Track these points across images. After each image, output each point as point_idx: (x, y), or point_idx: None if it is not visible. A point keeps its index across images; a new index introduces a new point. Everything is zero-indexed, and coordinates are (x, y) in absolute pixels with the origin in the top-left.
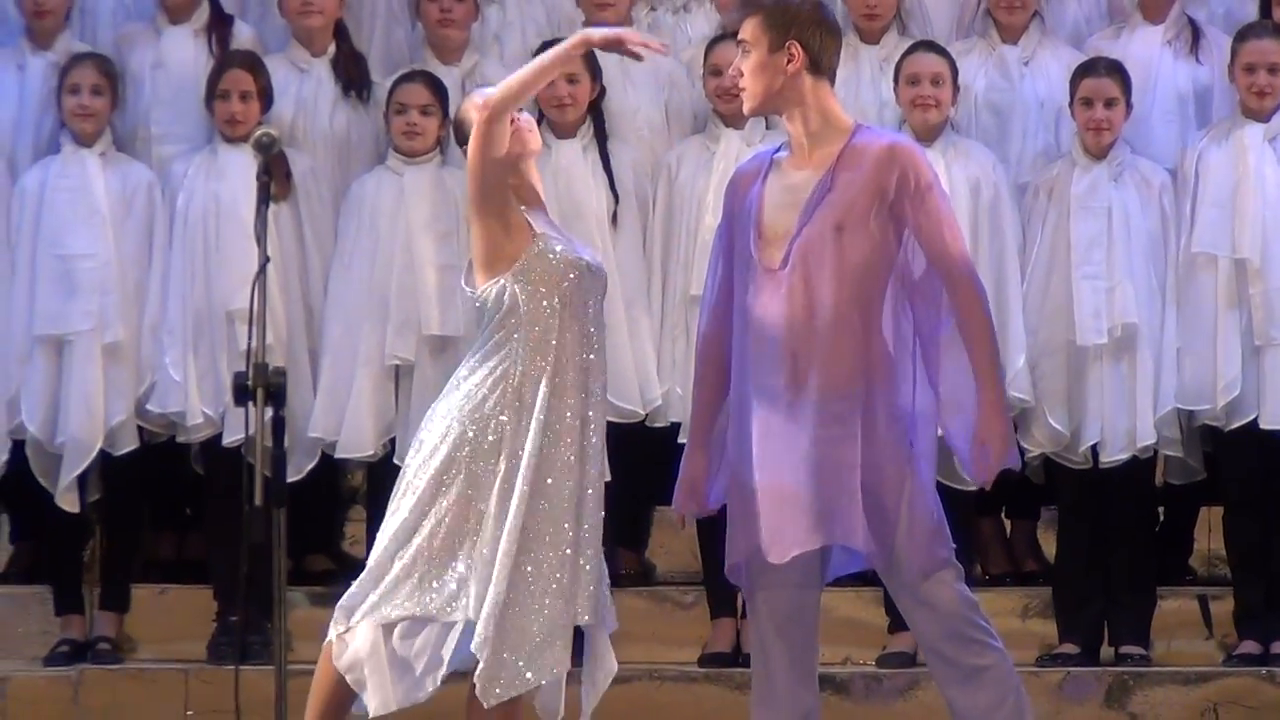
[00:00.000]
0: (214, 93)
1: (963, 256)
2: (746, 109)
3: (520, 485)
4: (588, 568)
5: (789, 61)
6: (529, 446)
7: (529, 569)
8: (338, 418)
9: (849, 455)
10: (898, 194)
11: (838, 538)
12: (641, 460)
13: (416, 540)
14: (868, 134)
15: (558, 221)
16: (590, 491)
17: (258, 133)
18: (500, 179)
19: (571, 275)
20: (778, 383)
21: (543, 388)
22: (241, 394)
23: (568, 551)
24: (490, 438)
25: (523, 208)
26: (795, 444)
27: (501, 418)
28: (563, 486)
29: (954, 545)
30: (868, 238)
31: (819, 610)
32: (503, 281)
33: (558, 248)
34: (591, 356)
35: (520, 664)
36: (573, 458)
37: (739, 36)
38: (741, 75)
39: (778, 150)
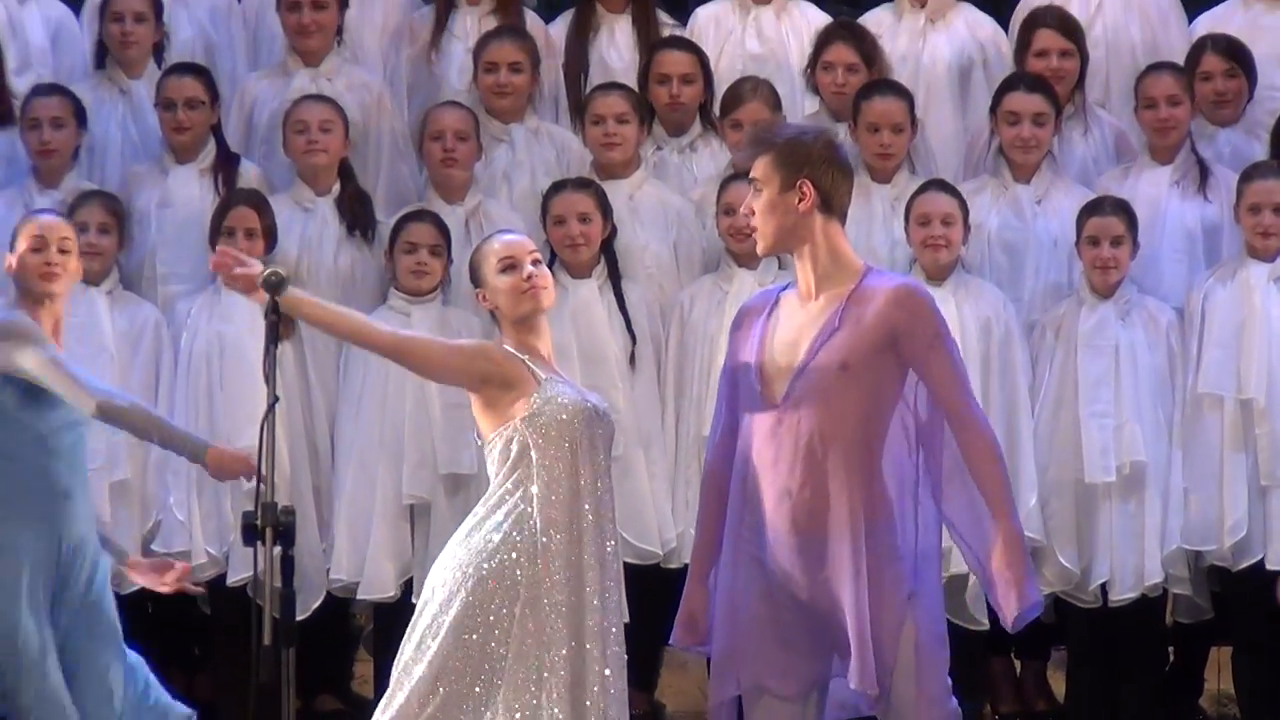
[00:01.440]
0: (218, 231)
1: (973, 409)
2: (760, 249)
3: (540, 632)
4: (611, 712)
5: (800, 201)
6: (551, 594)
7: (558, 712)
8: (359, 559)
9: (847, 595)
10: (907, 341)
11: (835, 674)
12: (651, 600)
13: (442, 689)
14: (878, 277)
15: (578, 363)
16: (614, 633)
17: (266, 271)
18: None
19: (579, 420)
20: (777, 520)
21: (558, 533)
22: (250, 533)
23: (595, 690)
24: (508, 584)
25: (525, 357)
26: (793, 582)
27: (519, 564)
28: (584, 630)
29: (953, 695)
30: (873, 379)
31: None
32: (512, 427)
33: (564, 393)
34: (604, 499)
35: None
36: (596, 601)
37: (750, 175)
38: (753, 214)
39: (785, 288)
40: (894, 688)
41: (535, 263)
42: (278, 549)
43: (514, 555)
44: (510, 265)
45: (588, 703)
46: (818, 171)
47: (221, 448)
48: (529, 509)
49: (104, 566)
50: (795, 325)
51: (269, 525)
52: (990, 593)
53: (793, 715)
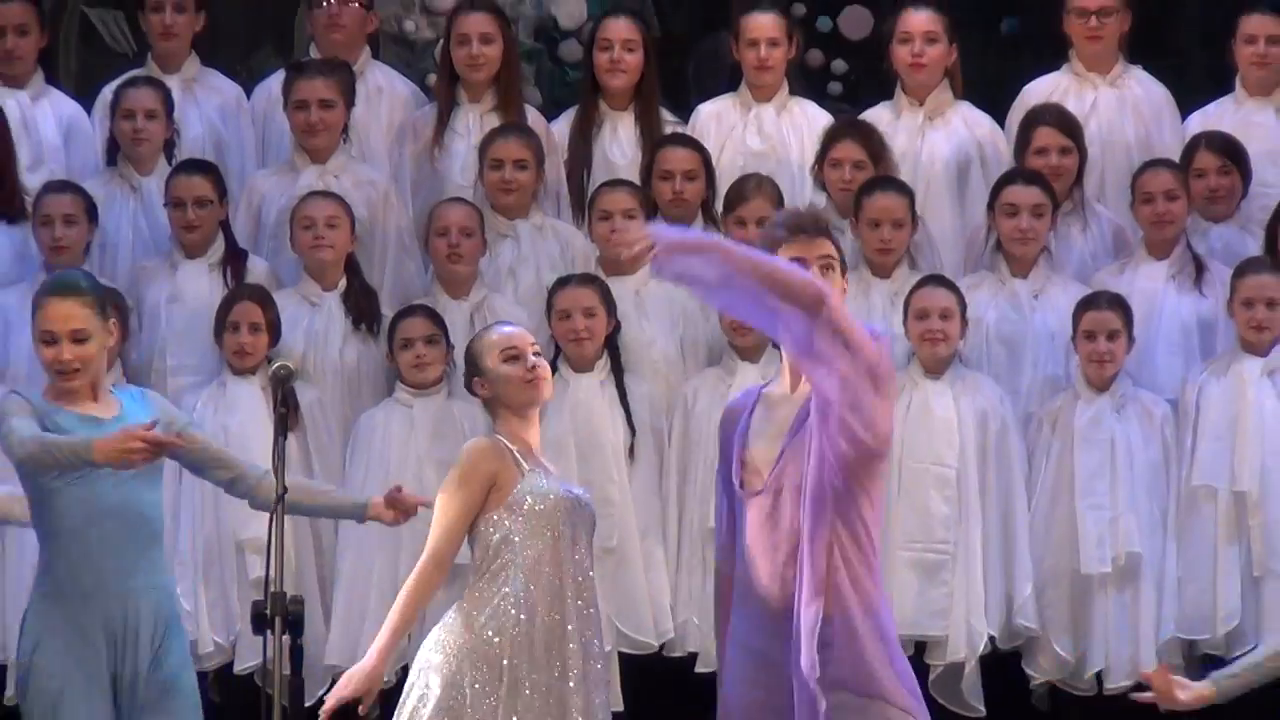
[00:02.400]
0: (223, 325)
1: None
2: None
3: (525, 714)
4: None
5: None
6: (532, 676)
7: None
8: (353, 645)
9: (837, 676)
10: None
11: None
12: (657, 687)
13: None
14: None
15: (575, 455)
16: (600, 716)
17: (275, 365)
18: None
19: (560, 510)
20: (772, 606)
21: (540, 618)
22: (260, 622)
23: None
24: (489, 667)
25: (514, 447)
26: (786, 665)
27: (501, 647)
28: (567, 712)
29: None
30: (826, 468)
31: None
32: (495, 517)
33: (545, 483)
34: (585, 584)
35: None
36: (573, 684)
37: (827, 254)
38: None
39: (764, 386)
40: None
41: (536, 354)
42: (286, 637)
43: (496, 639)
44: (514, 356)
45: None
46: None
47: None
48: (511, 595)
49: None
50: (774, 419)
51: (278, 614)
52: None
53: None
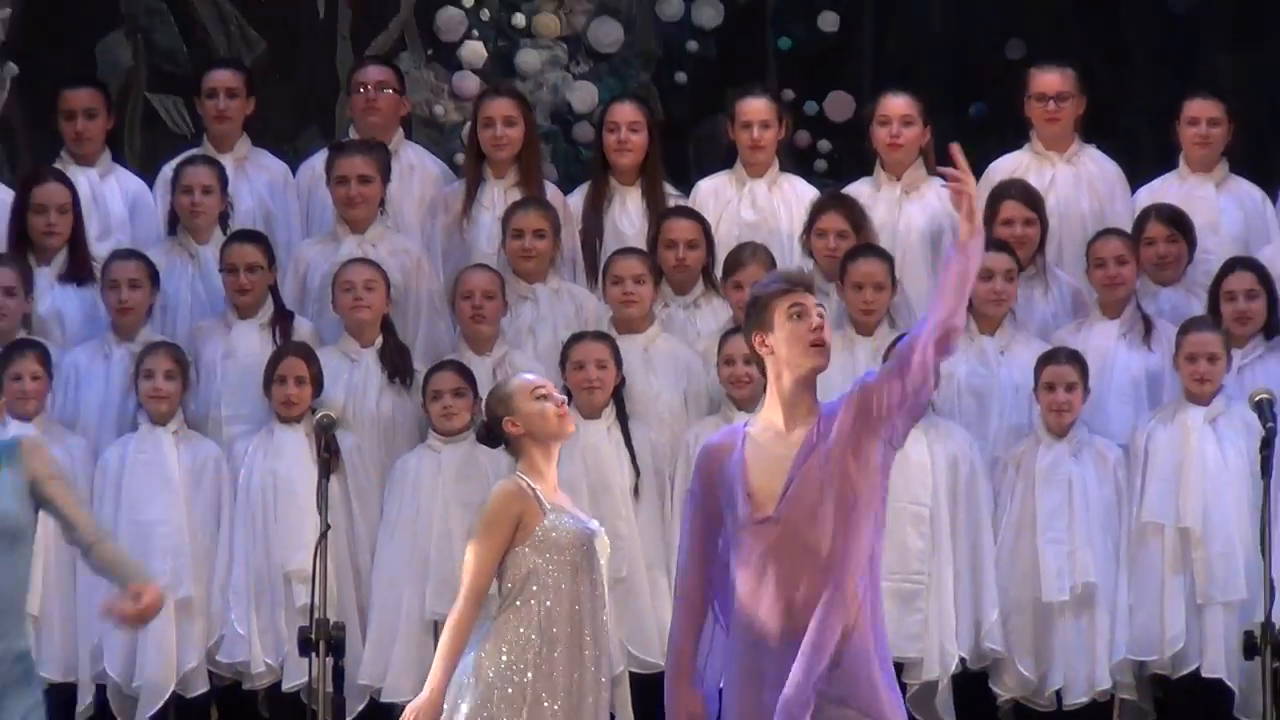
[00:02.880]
0: (272, 378)
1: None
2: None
3: None
4: None
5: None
6: (554, 694)
7: None
8: (384, 666)
9: (844, 693)
10: (862, 414)
11: None
12: (657, 702)
13: None
14: (830, 404)
15: (586, 494)
16: None
17: (319, 415)
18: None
19: (579, 544)
20: (777, 627)
21: (560, 644)
22: (305, 645)
23: None
24: (513, 690)
25: (536, 486)
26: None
27: (524, 673)
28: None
29: None
30: (849, 487)
31: None
32: (521, 552)
33: (565, 521)
34: (599, 609)
35: None
36: (591, 699)
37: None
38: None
39: (746, 425)
40: None
41: (561, 403)
42: (329, 659)
43: (519, 665)
44: (544, 395)
45: None
46: None
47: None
48: (534, 622)
49: None
50: (775, 454)
51: (322, 638)
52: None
53: None
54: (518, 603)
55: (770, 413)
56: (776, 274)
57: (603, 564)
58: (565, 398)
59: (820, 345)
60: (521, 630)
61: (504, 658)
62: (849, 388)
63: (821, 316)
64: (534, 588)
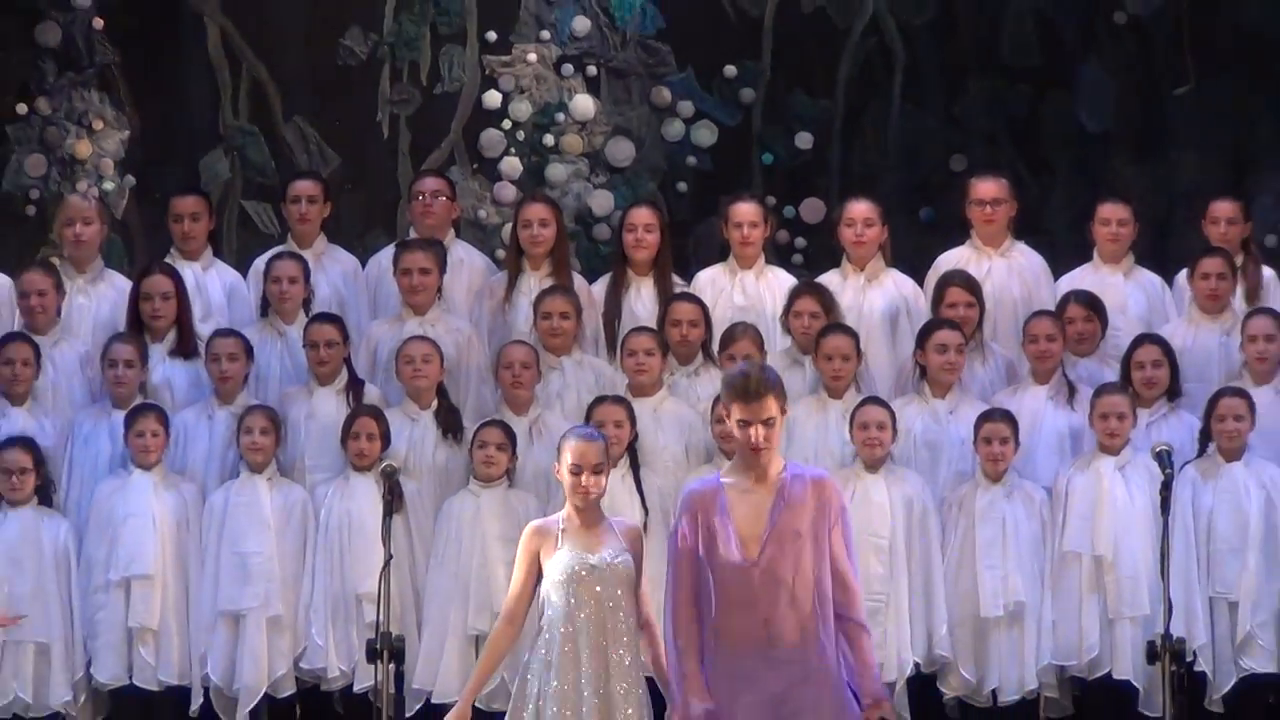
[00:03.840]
0: (347, 434)
1: (853, 576)
2: (768, 461)
3: (556, 715)
4: None
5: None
6: (561, 690)
7: None
8: (435, 673)
9: (810, 695)
10: (820, 516)
11: None
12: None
13: None
14: (795, 466)
15: None
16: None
17: (384, 464)
18: None
19: (579, 576)
20: (759, 641)
21: (565, 653)
22: (372, 654)
23: None
24: (532, 685)
25: (562, 527)
26: (771, 683)
27: (540, 674)
28: (580, 714)
29: None
30: (815, 537)
31: None
32: (544, 582)
33: (567, 557)
34: (608, 625)
35: None
36: (588, 692)
37: (771, 416)
38: (770, 440)
39: (719, 475)
40: None
41: (596, 470)
42: (392, 666)
43: (536, 666)
44: (576, 470)
45: None
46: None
47: None
48: (547, 640)
49: None
50: (752, 504)
51: (385, 648)
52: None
53: None
54: (541, 623)
55: (740, 469)
56: (731, 381)
57: (619, 593)
58: (595, 479)
59: (758, 451)
60: (542, 653)
61: (530, 664)
62: (811, 475)
63: (769, 425)
64: (549, 612)
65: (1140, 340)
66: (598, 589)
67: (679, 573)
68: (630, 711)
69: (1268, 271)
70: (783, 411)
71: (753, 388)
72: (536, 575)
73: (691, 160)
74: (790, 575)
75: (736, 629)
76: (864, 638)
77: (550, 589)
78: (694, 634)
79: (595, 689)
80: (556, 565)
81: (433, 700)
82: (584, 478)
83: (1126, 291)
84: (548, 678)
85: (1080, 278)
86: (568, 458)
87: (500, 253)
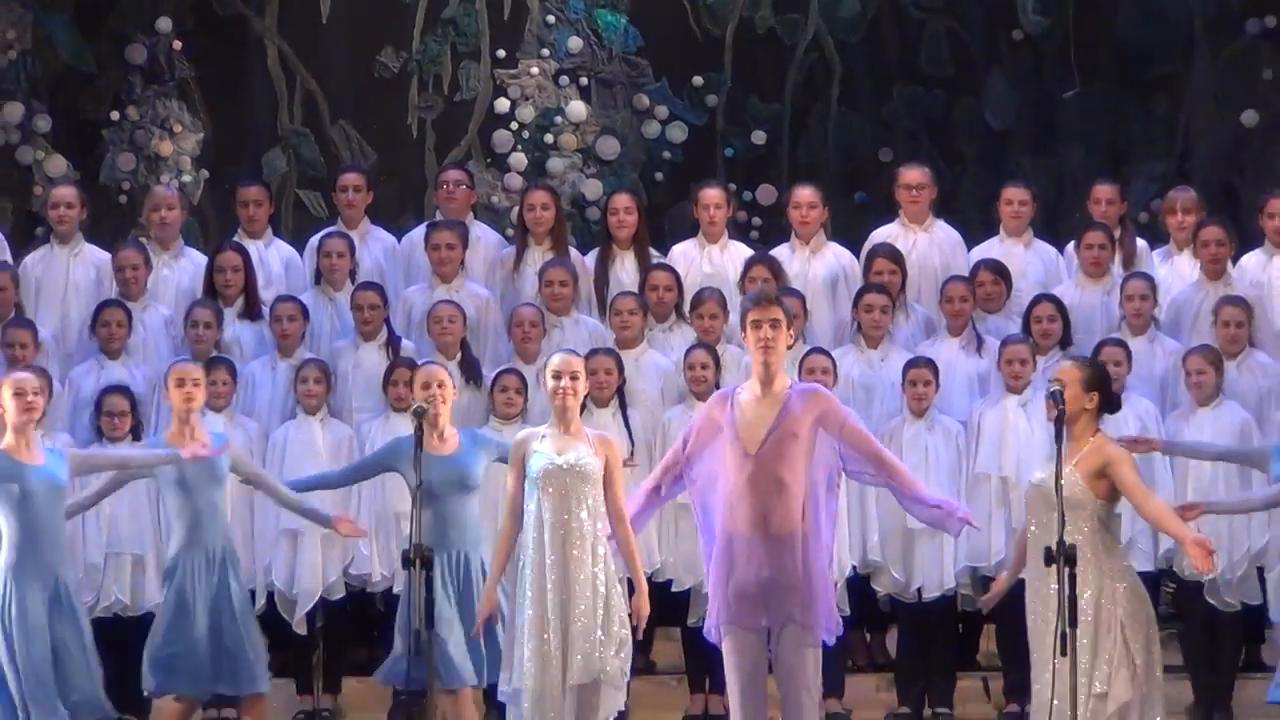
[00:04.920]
0: (388, 382)
1: (887, 452)
2: (777, 364)
3: (520, 612)
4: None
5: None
6: (523, 587)
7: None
8: None
9: (794, 579)
10: (823, 420)
11: (783, 619)
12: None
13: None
14: (798, 385)
15: None
16: (580, 620)
17: (415, 406)
18: None
19: (548, 475)
20: (754, 528)
21: (547, 555)
22: (406, 561)
23: (553, 649)
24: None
25: (546, 433)
26: (764, 566)
27: (525, 563)
28: (544, 618)
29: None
30: (808, 444)
31: (765, 655)
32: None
33: (536, 458)
34: (574, 527)
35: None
36: (551, 590)
37: (776, 316)
38: (774, 340)
39: (735, 389)
40: (814, 611)
41: (574, 377)
42: (424, 572)
43: (522, 556)
44: (557, 376)
45: (550, 666)
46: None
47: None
48: (527, 532)
49: None
50: (758, 409)
51: (418, 558)
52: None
53: (753, 637)
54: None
55: (752, 383)
56: (751, 293)
57: (584, 489)
58: (571, 385)
59: (767, 349)
60: (524, 538)
61: (521, 562)
62: (825, 406)
63: (775, 326)
64: (529, 506)
65: (1038, 299)
66: (563, 485)
67: (671, 449)
68: (587, 594)
69: (1141, 242)
70: (788, 326)
71: (764, 295)
72: (524, 475)
73: (666, 154)
74: (786, 471)
75: (737, 516)
76: (921, 487)
77: (527, 485)
78: (637, 501)
79: (559, 575)
80: (532, 465)
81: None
82: (563, 381)
83: (1027, 260)
84: (524, 561)
85: (989, 248)
86: (552, 368)
87: (510, 232)
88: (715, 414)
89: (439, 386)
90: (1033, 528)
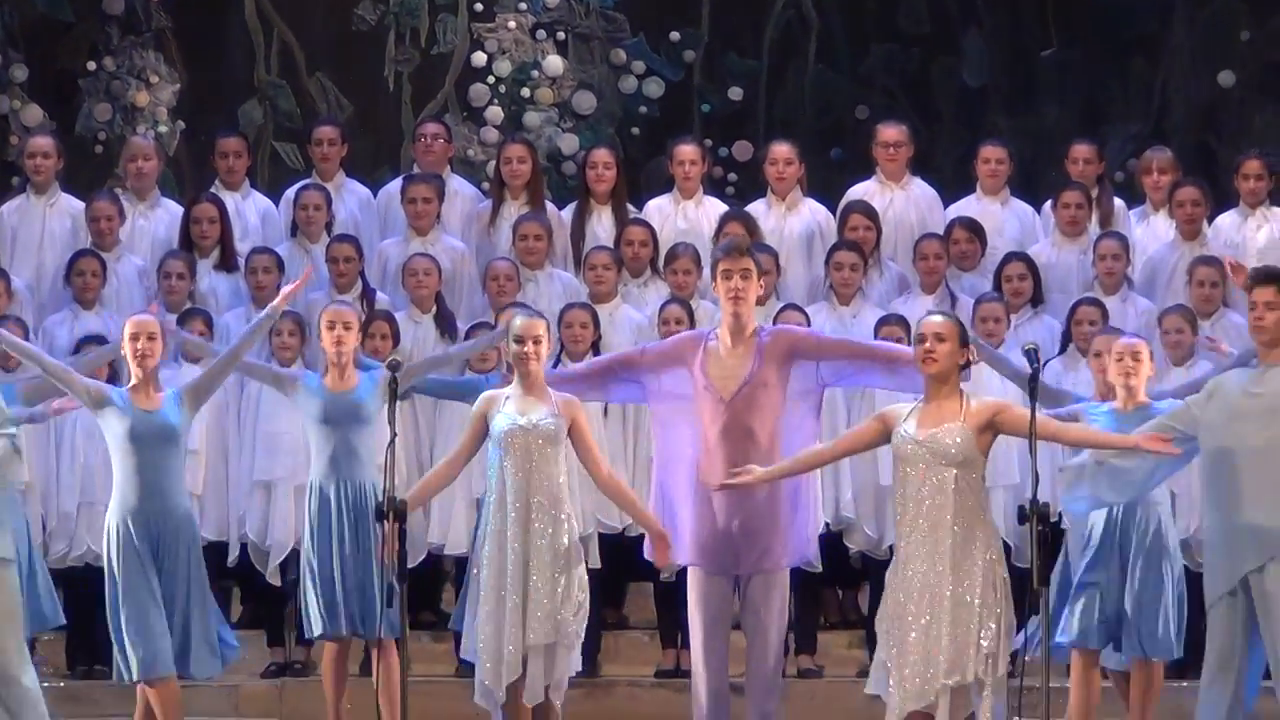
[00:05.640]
0: (365, 334)
1: (873, 344)
2: (747, 315)
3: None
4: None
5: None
6: (489, 550)
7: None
8: (445, 530)
9: (763, 519)
10: (801, 351)
11: (750, 566)
12: (620, 555)
13: None
14: (764, 330)
15: None
16: (537, 582)
17: (390, 358)
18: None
19: (510, 435)
20: (723, 475)
21: (508, 512)
22: (379, 515)
23: (513, 611)
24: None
25: (510, 395)
26: (733, 518)
27: (486, 528)
28: (505, 577)
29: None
30: (779, 390)
31: (731, 602)
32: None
33: (499, 420)
34: (535, 484)
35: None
36: (517, 545)
37: (746, 266)
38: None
39: (708, 334)
40: (785, 548)
41: (536, 341)
42: (397, 525)
43: (483, 511)
44: (519, 340)
45: (507, 624)
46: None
47: None
48: (489, 485)
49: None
50: (731, 359)
51: (391, 510)
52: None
53: (720, 581)
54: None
55: (723, 333)
56: (722, 243)
57: (547, 451)
58: (534, 350)
59: (737, 299)
60: (488, 499)
61: (481, 520)
62: (790, 338)
63: (745, 277)
64: (489, 466)
65: (1008, 258)
66: (526, 445)
67: (621, 353)
68: (546, 557)
69: (1118, 202)
70: (758, 278)
71: (735, 245)
72: (481, 434)
73: (643, 109)
74: (758, 422)
75: (709, 466)
76: (904, 353)
77: (491, 444)
78: (582, 368)
79: (520, 536)
80: (496, 425)
81: (445, 551)
82: (526, 346)
83: (1003, 218)
84: (483, 523)
85: (965, 206)
86: (515, 332)
87: (486, 185)
88: (685, 351)
89: (345, 328)
90: (907, 472)
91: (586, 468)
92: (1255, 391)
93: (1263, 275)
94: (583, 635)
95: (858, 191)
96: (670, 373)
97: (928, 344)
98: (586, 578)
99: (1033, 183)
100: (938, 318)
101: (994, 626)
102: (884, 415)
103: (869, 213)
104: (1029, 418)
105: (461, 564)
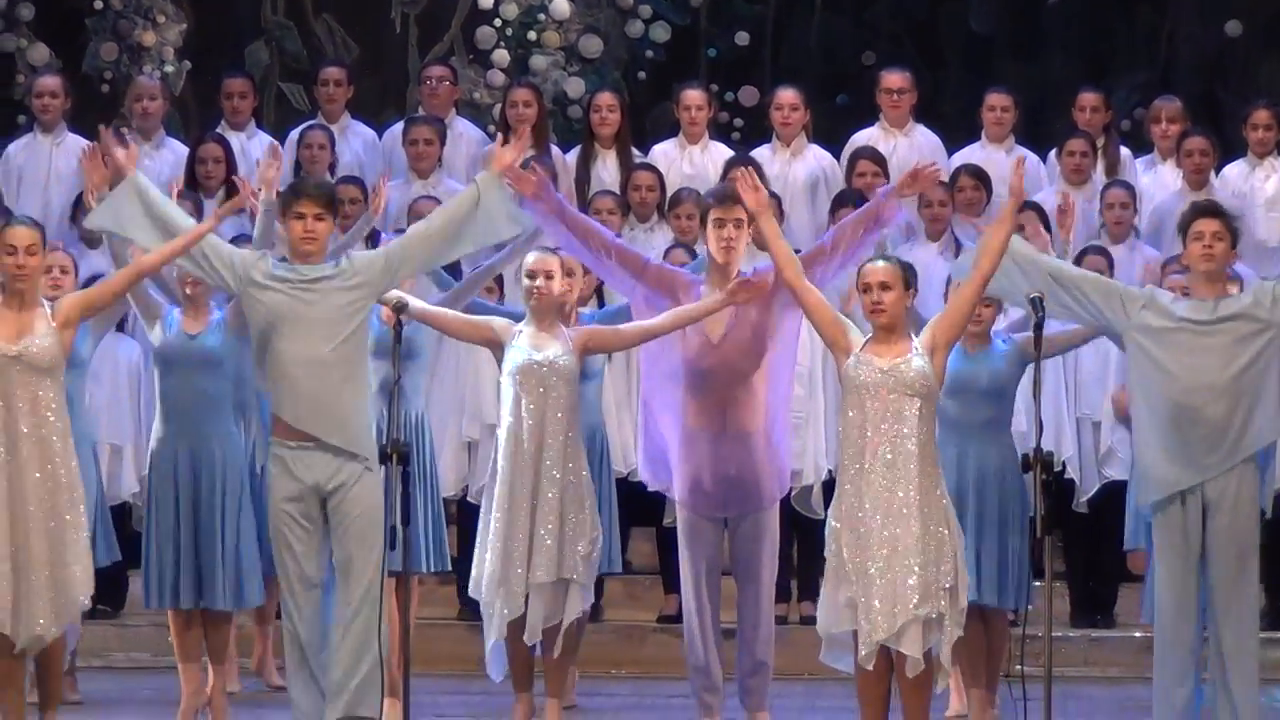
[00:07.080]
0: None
1: (825, 239)
2: (737, 260)
3: (492, 511)
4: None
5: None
6: (497, 488)
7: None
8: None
9: (750, 463)
10: (773, 292)
11: (738, 509)
12: (623, 500)
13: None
14: (759, 266)
15: None
16: (550, 518)
17: (394, 299)
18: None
19: (523, 370)
20: (715, 413)
21: (523, 446)
22: (383, 456)
23: (517, 551)
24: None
25: (523, 330)
26: (723, 466)
27: (499, 463)
28: (514, 515)
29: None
30: (765, 330)
31: (722, 546)
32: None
33: (512, 352)
34: (548, 423)
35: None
36: (524, 485)
37: (739, 217)
38: (736, 241)
39: (699, 283)
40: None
41: (548, 276)
42: (400, 466)
43: (499, 446)
44: (530, 275)
45: (515, 557)
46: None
47: None
48: (503, 422)
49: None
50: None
51: (395, 451)
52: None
53: (714, 526)
54: (500, 413)
55: (712, 275)
56: (712, 191)
57: (562, 388)
58: (545, 285)
59: (729, 249)
60: (501, 434)
61: (496, 454)
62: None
63: (738, 226)
64: (503, 401)
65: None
66: (541, 381)
67: (628, 247)
68: (558, 494)
69: (1124, 151)
70: (749, 226)
71: (729, 193)
72: (484, 330)
73: (649, 54)
74: (746, 363)
75: (697, 412)
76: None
77: (504, 380)
78: (594, 230)
79: (533, 473)
80: (509, 360)
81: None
82: (538, 280)
83: (1008, 166)
84: (496, 461)
85: (970, 154)
86: (527, 267)
87: (492, 128)
88: (679, 289)
89: None
90: (866, 402)
91: (640, 336)
92: (1204, 324)
93: (1206, 208)
94: (595, 575)
95: (862, 138)
96: (660, 298)
97: (874, 294)
98: (599, 519)
99: (1038, 131)
100: (880, 263)
101: (953, 558)
102: (847, 329)
103: (877, 158)
104: (959, 301)
105: (461, 506)
